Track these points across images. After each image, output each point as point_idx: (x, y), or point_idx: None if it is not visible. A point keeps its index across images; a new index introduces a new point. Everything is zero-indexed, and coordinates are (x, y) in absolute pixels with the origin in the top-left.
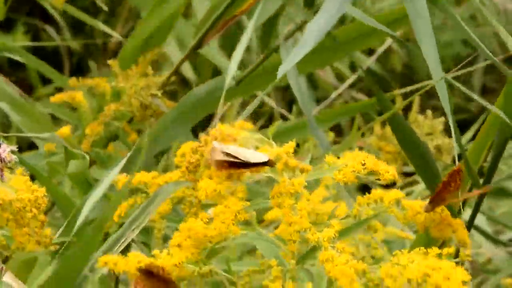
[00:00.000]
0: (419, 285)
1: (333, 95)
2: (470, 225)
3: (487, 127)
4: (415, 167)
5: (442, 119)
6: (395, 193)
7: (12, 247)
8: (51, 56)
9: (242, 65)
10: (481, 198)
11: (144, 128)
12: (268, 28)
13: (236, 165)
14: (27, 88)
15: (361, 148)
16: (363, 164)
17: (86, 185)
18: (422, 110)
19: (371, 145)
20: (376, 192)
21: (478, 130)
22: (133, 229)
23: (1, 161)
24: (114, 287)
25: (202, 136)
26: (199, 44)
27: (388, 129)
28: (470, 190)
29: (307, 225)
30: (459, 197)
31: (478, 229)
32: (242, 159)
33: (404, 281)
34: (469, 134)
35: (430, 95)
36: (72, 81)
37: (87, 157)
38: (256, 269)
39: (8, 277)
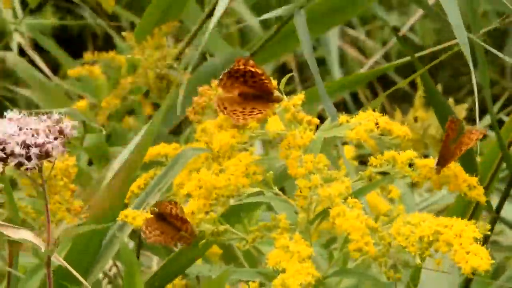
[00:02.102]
0: (430, 242)
1: (367, 66)
2: (498, 211)
3: None
4: None
5: (465, 105)
6: (407, 153)
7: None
8: (76, 39)
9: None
10: (510, 184)
11: (160, 101)
12: None
13: (248, 96)
14: (56, 66)
15: None
16: (376, 124)
17: (103, 158)
18: (446, 91)
19: None
20: (389, 152)
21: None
22: (155, 192)
23: (65, 136)
24: (137, 248)
25: (213, 81)
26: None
27: (410, 115)
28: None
29: (317, 182)
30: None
31: (503, 220)
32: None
33: (415, 239)
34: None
35: (455, 75)
36: (88, 55)
37: (103, 130)
38: (267, 224)
39: (26, 234)
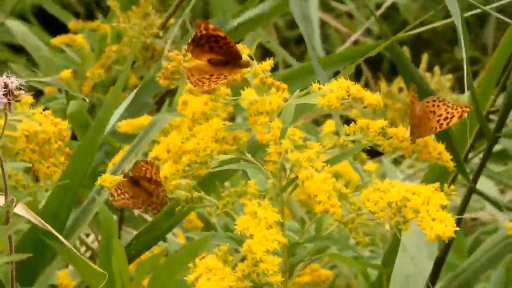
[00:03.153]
0: (399, 208)
1: (347, 43)
2: (474, 183)
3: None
4: None
5: (450, 76)
6: (380, 122)
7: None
8: (56, 18)
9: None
10: (485, 157)
11: (146, 70)
12: None
13: (217, 63)
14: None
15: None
16: (347, 91)
17: (85, 127)
18: (429, 69)
19: None
20: (362, 120)
21: None
22: (131, 158)
23: (10, 93)
24: (119, 222)
25: (184, 47)
26: None
27: (394, 86)
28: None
29: (287, 146)
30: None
31: (480, 193)
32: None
33: (384, 205)
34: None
35: (438, 53)
36: (73, 24)
37: (87, 99)
38: (238, 190)
39: (19, 208)
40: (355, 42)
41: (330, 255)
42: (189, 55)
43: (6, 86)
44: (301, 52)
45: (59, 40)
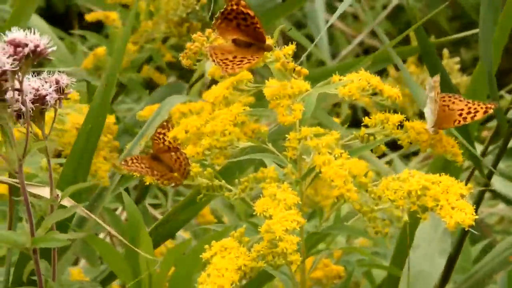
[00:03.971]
0: (418, 197)
1: (353, 44)
2: (487, 182)
3: None
4: None
5: (457, 59)
6: (398, 116)
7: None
8: (62, 17)
9: None
10: (499, 155)
11: (181, 46)
12: None
13: (240, 44)
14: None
15: None
16: (368, 83)
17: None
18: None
19: None
20: (380, 114)
21: None
22: (143, 136)
23: (61, 91)
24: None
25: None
26: None
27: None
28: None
29: (307, 133)
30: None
31: (492, 190)
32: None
33: (403, 194)
34: None
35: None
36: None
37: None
38: (257, 176)
39: (65, 201)
40: (361, 43)
41: (342, 248)
42: (212, 36)
43: (57, 82)
44: (308, 53)
45: (93, 17)
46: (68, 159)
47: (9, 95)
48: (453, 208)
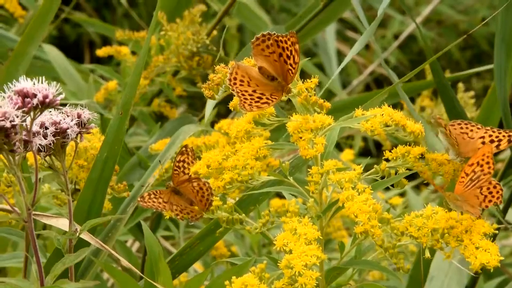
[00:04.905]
0: (442, 235)
1: (365, 74)
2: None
3: None
4: None
5: (472, 93)
6: (419, 148)
7: None
8: (73, 47)
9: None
10: None
11: (191, 78)
12: None
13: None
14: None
15: None
16: (391, 118)
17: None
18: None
19: None
20: (401, 147)
21: None
22: (162, 162)
23: (82, 125)
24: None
25: (231, 62)
26: None
27: (416, 105)
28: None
29: (330, 167)
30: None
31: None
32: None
33: (427, 231)
34: None
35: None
36: (119, 33)
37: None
38: (278, 210)
39: (83, 235)
40: (371, 72)
41: (366, 285)
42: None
43: (79, 116)
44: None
45: (104, 52)
46: (84, 187)
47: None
48: (477, 248)
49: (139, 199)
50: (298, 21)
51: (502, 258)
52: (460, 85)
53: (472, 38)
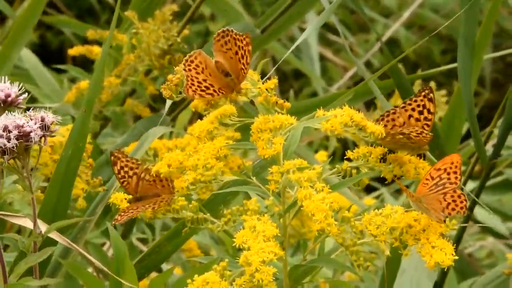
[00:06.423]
0: (401, 233)
1: (346, 76)
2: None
3: None
4: None
5: (444, 91)
6: (381, 149)
7: None
8: (55, 55)
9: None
10: (482, 185)
11: (163, 78)
12: None
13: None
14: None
15: None
16: (351, 119)
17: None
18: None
19: None
20: (363, 147)
21: None
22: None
23: (46, 128)
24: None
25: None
26: None
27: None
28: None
29: (290, 167)
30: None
31: (478, 222)
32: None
33: (386, 230)
34: None
35: (436, 86)
36: (91, 33)
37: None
38: (239, 209)
39: (54, 235)
40: (354, 76)
41: (327, 280)
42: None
43: (43, 120)
44: (299, 87)
45: (76, 51)
46: (49, 184)
47: None
48: (433, 247)
49: (114, 222)
50: (270, 15)
51: (456, 257)
52: (433, 84)
53: (453, 42)
